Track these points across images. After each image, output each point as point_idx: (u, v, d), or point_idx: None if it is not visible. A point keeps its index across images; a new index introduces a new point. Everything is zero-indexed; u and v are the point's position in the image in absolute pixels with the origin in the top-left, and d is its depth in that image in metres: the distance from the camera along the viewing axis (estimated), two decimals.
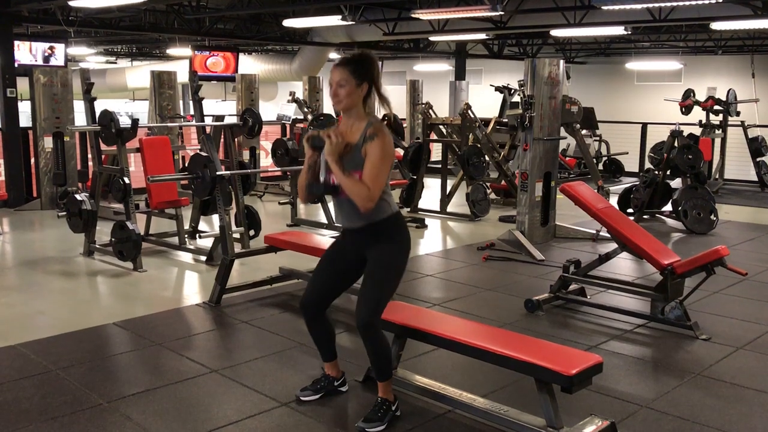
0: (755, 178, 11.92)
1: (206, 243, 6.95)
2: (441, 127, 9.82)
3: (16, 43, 10.74)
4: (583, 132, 11.72)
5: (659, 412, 3.56)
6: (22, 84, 9.66)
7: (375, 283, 3.26)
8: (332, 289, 3.50)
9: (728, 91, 11.70)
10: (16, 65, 9.73)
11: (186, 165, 5.72)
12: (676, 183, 9.01)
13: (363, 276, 3.33)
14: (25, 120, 9.82)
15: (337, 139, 3.17)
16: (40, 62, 11.71)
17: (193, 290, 5.90)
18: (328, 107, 11.99)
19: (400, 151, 9.79)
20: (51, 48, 11.87)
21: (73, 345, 4.43)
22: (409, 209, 9.12)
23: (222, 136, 7.14)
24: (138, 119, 6.63)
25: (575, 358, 3.14)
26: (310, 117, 9.71)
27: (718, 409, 3.61)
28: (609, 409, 3.58)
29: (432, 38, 14.87)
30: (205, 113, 7.04)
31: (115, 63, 22.59)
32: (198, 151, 5.71)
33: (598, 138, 13.41)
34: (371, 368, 3.51)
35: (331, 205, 5.99)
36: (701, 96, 11.94)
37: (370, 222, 3.26)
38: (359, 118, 3.27)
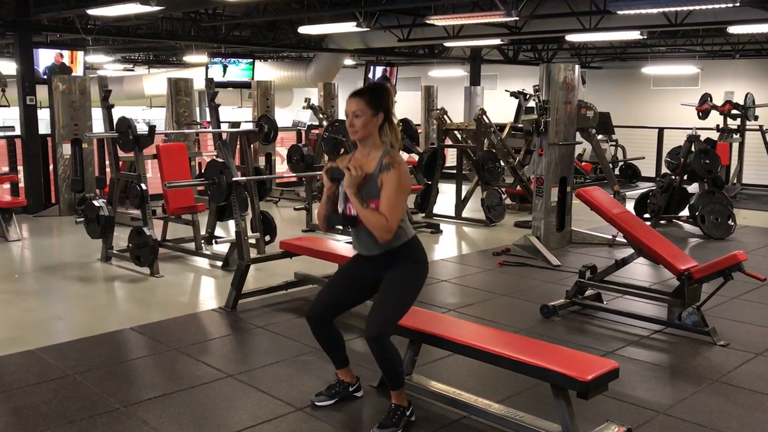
0: None
1: (222, 248, 6.99)
2: (456, 132, 9.81)
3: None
4: (599, 137, 11.67)
5: (676, 419, 3.53)
6: (42, 91, 9.78)
7: (389, 298, 3.28)
8: (340, 304, 3.52)
9: (746, 95, 11.61)
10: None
11: (202, 171, 5.76)
12: (693, 188, 8.94)
13: (378, 291, 3.34)
14: (44, 127, 9.93)
15: (356, 171, 3.21)
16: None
17: (209, 295, 5.93)
18: (343, 113, 12.00)
19: (415, 157, 9.81)
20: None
21: (91, 350, 4.47)
22: (423, 214, 9.12)
23: (238, 143, 7.20)
24: (155, 126, 6.68)
25: (591, 364, 3.12)
26: (325, 123, 9.74)
27: (737, 416, 3.57)
28: (625, 415, 3.55)
29: (447, 44, 14.84)
30: (221, 120, 7.10)
31: (133, 70, 22.79)
32: (214, 158, 5.76)
33: (614, 143, 13.34)
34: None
35: None
36: (719, 100, 11.84)
37: (387, 250, 3.30)
38: (375, 148, 3.31)
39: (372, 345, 3.22)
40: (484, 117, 9.24)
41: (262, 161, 11.18)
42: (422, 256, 3.41)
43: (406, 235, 3.32)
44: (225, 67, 14.67)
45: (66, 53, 11.73)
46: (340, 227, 3.57)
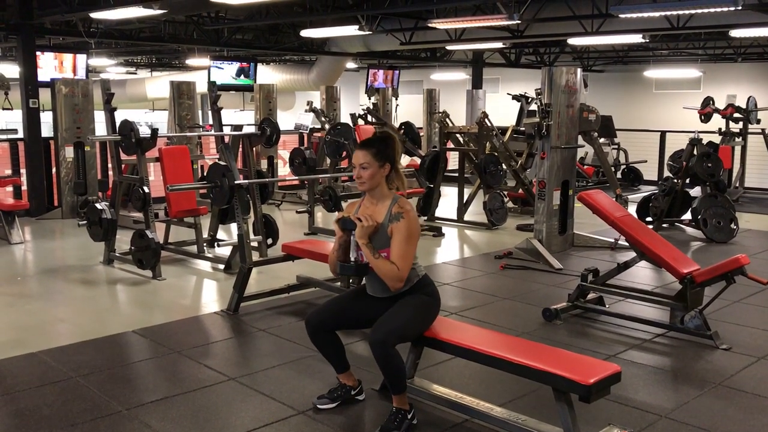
0: None
1: (224, 251, 7.00)
2: (458, 135, 9.82)
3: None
4: (601, 140, 11.67)
5: (679, 423, 3.53)
6: (44, 95, 9.80)
7: (399, 314, 3.35)
8: (342, 321, 3.58)
9: (748, 99, 11.59)
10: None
11: (205, 174, 5.77)
12: (695, 191, 8.93)
13: (389, 309, 3.39)
14: (46, 130, 9.95)
15: (367, 222, 3.28)
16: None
17: (211, 298, 5.93)
18: (345, 116, 12.05)
19: (417, 160, 9.81)
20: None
21: (93, 352, 4.48)
22: (426, 218, 9.12)
23: (240, 146, 7.19)
24: (157, 129, 6.69)
25: (593, 368, 3.12)
26: (327, 126, 9.75)
27: (739, 420, 3.57)
28: (628, 418, 3.55)
29: (449, 47, 14.89)
30: (223, 123, 7.11)
31: (135, 73, 22.83)
32: (216, 161, 5.76)
33: (616, 146, 13.33)
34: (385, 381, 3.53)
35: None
36: (721, 104, 11.83)
37: (398, 293, 3.40)
38: (383, 197, 3.40)
39: (375, 349, 3.24)
40: (486, 120, 9.24)
41: (264, 164, 11.20)
42: (434, 291, 3.51)
43: (416, 276, 3.43)
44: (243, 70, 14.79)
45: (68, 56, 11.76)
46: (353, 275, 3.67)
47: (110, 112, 6.80)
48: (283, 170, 11.96)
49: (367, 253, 3.31)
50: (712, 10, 8.31)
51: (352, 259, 3.41)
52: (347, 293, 3.77)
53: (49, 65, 11.42)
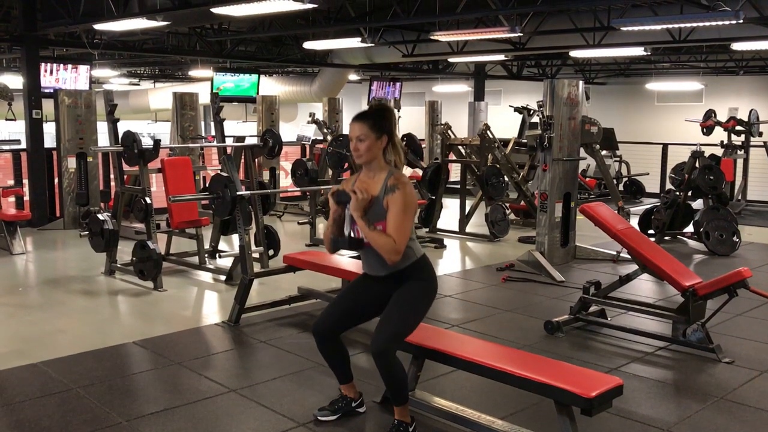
0: None
1: (226, 263, 6.99)
2: (460, 147, 9.83)
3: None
4: (603, 153, 11.68)
5: None
6: (47, 105, 9.84)
7: (397, 314, 3.28)
8: (347, 321, 3.52)
9: (750, 112, 11.61)
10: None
11: (207, 185, 5.78)
12: (697, 204, 8.92)
13: (386, 307, 3.33)
14: (49, 141, 9.98)
15: (362, 194, 3.23)
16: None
17: (212, 310, 5.92)
18: (347, 128, 12.05)
19: (419, 172, 9.81)
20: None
21: (94, 363, 4.47)
22: (427, 229, 9.12)
23: (242, 157, 7.21)
24: (160, 140, 6.71)
25: (595, 381, 3.11)
26: (329, 138, 9.77)
27: None
28: None
29: (451, 59, 14.93)
30: (226, 134, 7.12)
31: (138, 84, 22.92)
32: (219, 172, 5.77)
33: (618, 159, 13.35)
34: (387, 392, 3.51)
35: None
36: (723, 116, 11.85)
37: (396, 270, 3.31)
38: (380, 170, 3.33)
39: (377, 360, 3.21)
40: (488, 132, 9.26)
41: (266, 175, 11.22)
42: (431, 275, 3.42)
43: (414, 254, 3.34)
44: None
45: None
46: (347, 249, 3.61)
47: (113, 122, 6.82)
48: (285, 181, 11.97)
49: (362, 225, 3.23)
50: (714, 23, 8.34)
51: (347, 233, 3.34)
52: (344, 291, 3.68)
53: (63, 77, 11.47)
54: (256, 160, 7.93)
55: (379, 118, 3.31)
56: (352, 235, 3.32)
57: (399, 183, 3.24)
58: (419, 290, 3.34)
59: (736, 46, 11.07)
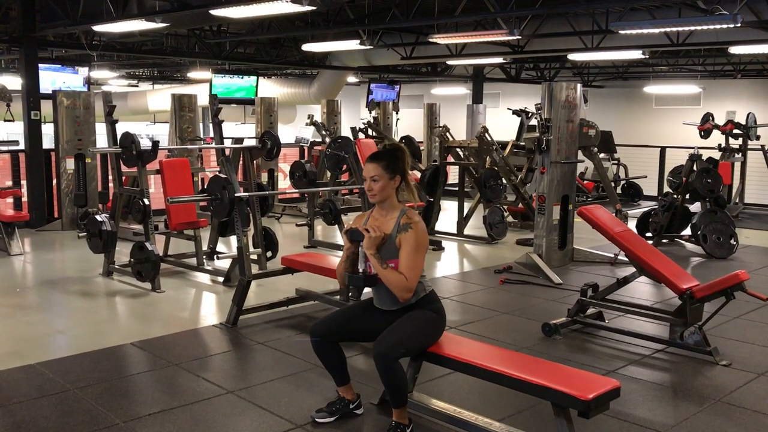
0: None
1: (224, 264, 6.98)
2: (458, 150, 9.84)
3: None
4: (601, 155, 11.70)
5: None
6: (46, 106, 9.83)
7: (404, 328, 3.35)
8: (347, 333, 3.57)
9: (748, 115, 11.64)
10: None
11: (205, 187, 5.78)
12: (695, 207, 8.94)
13: (396, 321, 3.39)
14: (48, 142, 9.98)
15: (375, 233, 3.31)
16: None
17: (210, 311, 5.92)
18: (346, 130, 12.08)
19: (417, 174, 9.83)
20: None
21: (91, 364, 4.46)
22: None
23: (241, 159, 7.22)
24: (158, 141, 6.71)
25: (592, 383, 3.11)
26: (327, 140, 9.77)
27: None
28: None
29: (449, 62, 14.93)
30: (224, 136, 7.13)
31: (137, 86, 22.91)
32: (217, 173, 5.77)
33: (616, 161, 13.37)
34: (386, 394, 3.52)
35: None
36: (720, 120, 11.87)
37: (406, 306, 3.41)
38: (392, 208, 3.43)
39: (379, 362, 3.24)
40: (486, 135, 9.27)
41: (264, 177, 11.22)
42: (440, 309, 3.50)
43: (423, 290, 3.44)
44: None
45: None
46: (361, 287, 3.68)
47: (111, 124, 6.82)
48: (284, 183, 11.98)
49: (374, 263, 3.32)
50: (712, 27, 8.36)
51: (360, 270, 3.42)
52: (353, 305, 3.78)
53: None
54: (255, 161, 7.93)
55: (393, 158, 3.41)
56: (366, 271, 3.41)
57: (412, 222, 3.34)
58: (428, 317, 3.43)
59: (734, 50, 11.10)
